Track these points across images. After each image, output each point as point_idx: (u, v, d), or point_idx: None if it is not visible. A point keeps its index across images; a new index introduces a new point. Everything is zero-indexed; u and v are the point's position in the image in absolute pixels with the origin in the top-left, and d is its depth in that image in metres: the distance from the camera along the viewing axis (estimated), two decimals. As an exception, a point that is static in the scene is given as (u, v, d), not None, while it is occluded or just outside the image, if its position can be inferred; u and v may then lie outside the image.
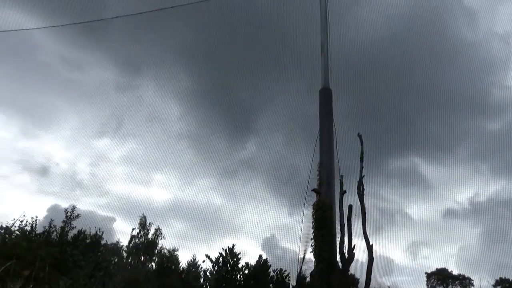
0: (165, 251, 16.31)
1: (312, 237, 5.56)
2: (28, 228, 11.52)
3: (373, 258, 5.57)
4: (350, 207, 5.91)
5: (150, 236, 17.18)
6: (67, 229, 13.87)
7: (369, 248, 5.62)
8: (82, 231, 14.09)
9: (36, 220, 11.42)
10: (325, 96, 6.62)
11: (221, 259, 12.58)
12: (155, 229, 17.43)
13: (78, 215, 15.24)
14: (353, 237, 5.81)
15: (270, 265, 12.85)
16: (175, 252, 16.16)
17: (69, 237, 13.31)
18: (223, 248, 12.75)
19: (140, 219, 17.29)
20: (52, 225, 13.39)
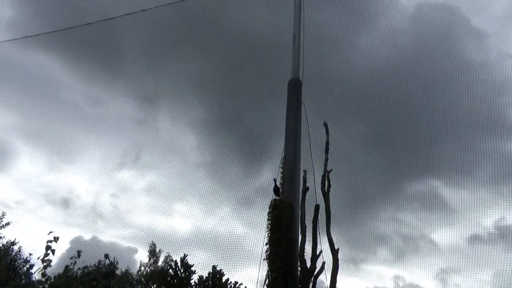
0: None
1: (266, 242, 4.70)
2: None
3: (338, 266, 4.60)
4: (317, 207, 5.04)
5: (160, 263, 16.50)
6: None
7: (334, 253, 4.68)
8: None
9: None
10: (294, 87, 5.94)
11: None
12: (165, 256, 16.74)
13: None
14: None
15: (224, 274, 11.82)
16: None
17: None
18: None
19: (150, 246, 16.69)
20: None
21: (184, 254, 11.16)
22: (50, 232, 4.30)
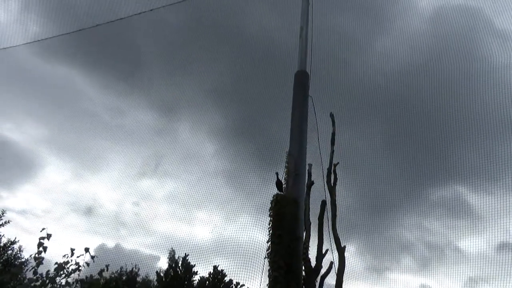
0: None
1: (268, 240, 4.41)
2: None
3: (344, 265, 4.25)
4: (323, 203, 4.71)
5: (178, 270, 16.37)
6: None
7: (340, 251, 4.32)
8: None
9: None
10: (301, 79, 5.68)
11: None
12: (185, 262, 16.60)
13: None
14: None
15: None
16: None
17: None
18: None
19: (169, 252, 16.63)
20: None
21: (185, 254, 10.92)
22: (43, 229, 4.20)
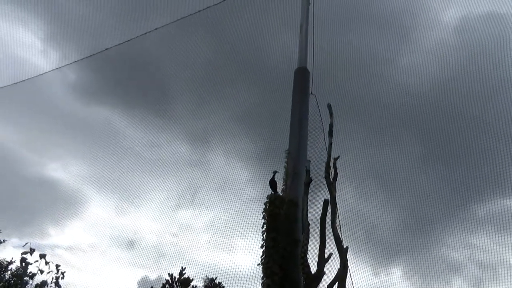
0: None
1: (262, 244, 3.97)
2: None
3: (347, 270, 3.69)
4: (326, 202, 4.22)
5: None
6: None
7: (342, 253, 3.78)
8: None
9: None
10: (301, 77, 5.36)
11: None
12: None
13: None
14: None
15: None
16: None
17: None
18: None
19: (204, 281, 16.16)
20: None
21: (182, 267, 10.42)
22: (26, 243, 4.07)
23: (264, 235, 3.95)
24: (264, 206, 4.11)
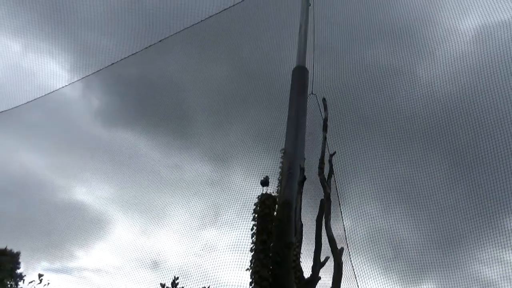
0: None
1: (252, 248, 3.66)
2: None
3: (341, 273, 3.29)
4: (322, 202, 3.86)
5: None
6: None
7: (336, 255, 3.38)
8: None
9: None
10: (299, 75, 5.14)
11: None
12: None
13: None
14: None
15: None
16: None
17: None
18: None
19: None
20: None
21: (174, 277, 9.94)
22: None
23: (254, 238, 3.66)
24: (254, 207, 3.83)
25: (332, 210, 3.91)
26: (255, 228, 3.72)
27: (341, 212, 4.97)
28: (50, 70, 10.94)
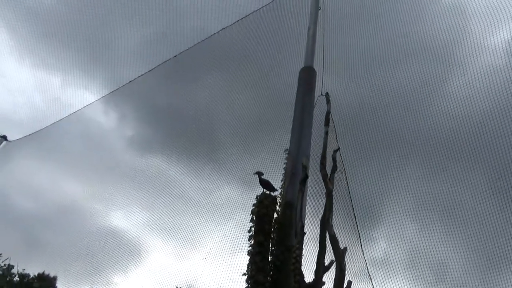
0: None
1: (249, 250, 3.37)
2: None
3: (344, 276, 2.89)
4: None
5: None
6: None
7: (339, 255, 3.00)
8: None
9: None
10: (306, 76, 4.94)
11: None
12: None
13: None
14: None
15: None
16: None
17: None
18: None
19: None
20: None
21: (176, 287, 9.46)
22: None
23: (251, 241, 3.38)
24: (252, 208, 3.57)
25: (346, 221, 3.58)
26: (252, 229, 3.44)
27: (357, 225, 4.52)
28: (87, 101, 11.52)
